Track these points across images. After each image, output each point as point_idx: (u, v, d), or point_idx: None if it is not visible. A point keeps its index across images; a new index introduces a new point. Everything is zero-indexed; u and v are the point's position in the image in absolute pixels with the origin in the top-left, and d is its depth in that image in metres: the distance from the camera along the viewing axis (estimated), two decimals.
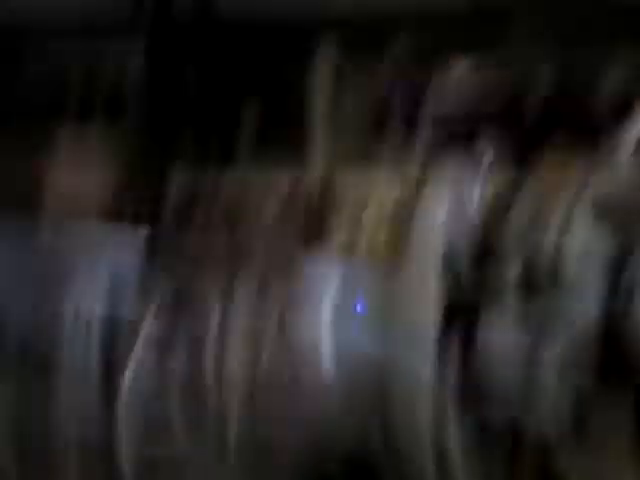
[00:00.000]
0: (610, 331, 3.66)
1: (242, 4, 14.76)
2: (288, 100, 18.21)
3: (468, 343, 4.06)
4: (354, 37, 14.42)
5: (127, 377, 4.67)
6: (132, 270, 5.83)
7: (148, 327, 4.62)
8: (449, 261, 4.03)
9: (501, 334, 3.97)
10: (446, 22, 13.85)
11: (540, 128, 4.30)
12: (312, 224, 13.94)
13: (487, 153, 4.30)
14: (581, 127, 4.07)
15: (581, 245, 3.74)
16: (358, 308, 7.36)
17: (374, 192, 14.06)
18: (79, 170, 18.09)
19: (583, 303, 3.81)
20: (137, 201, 16.06)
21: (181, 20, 15.64)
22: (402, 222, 10.76)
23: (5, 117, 19.07)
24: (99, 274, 4.30)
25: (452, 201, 4.02)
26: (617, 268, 3.81)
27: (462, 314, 4.09)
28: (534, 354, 3.91)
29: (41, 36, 17.22)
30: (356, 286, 7.98)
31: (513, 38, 12.69)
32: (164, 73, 15.80)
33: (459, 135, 4.31)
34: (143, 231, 13.42)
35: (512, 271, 3.90)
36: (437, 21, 13.92)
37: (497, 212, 4.38)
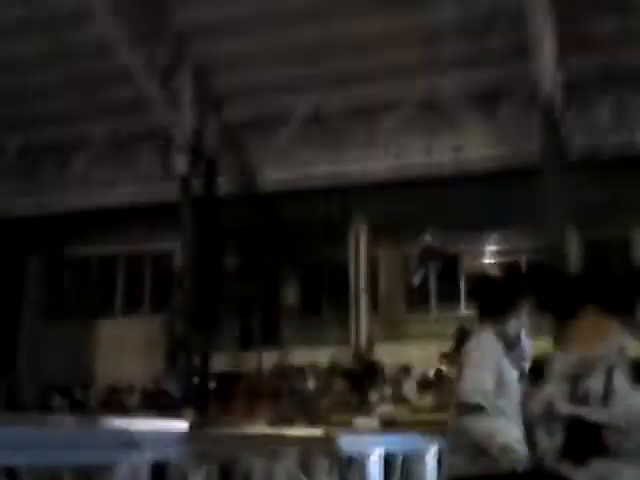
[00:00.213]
0: None
1: (284, 194, 15.51)
2: (327, 278, 18.54)
3: None
4: (384, 217, 14.91)
5: None
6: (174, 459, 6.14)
7: None
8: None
9: None
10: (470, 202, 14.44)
11: (574, 299, 4.71)
12: (354, 396, 14.02)
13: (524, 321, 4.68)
14: (611, 298, 4.53)
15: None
16: None
17: (413, 363, 14.15)
18: (124, 358, 18.29)
19: None
20: (182, 386, 16.14)
21: (226, 202, 16.25)
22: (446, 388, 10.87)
23: (57, 310, 19.53)
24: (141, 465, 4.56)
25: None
26: None
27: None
28: None
29: (90, 228, 17.77)
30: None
31: (545, 215, 13.21)
32: (209, 261, 16.40)
33: (495, 307, 4.72)
34: (186, 421, 13.55)
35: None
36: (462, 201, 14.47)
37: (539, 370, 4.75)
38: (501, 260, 16.52)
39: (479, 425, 4.25)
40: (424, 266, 4.84)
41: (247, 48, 15.08)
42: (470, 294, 5.11)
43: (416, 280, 4.82)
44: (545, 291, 4.79)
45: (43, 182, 18.07)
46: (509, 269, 14.81)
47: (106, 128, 17.17)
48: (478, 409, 4.22)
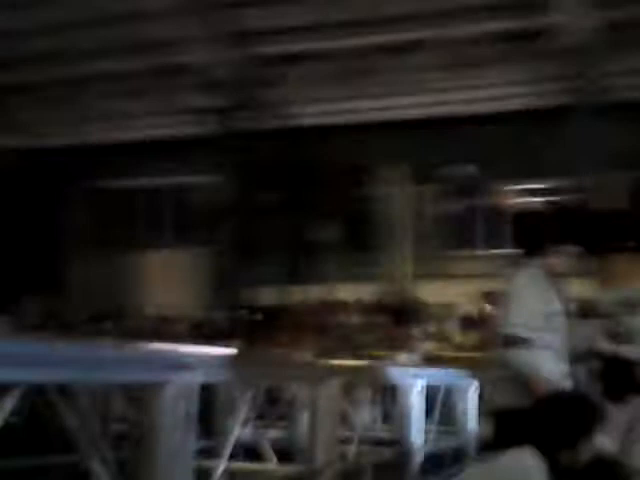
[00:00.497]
0: None
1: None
2: (367, 219, 18.54)
3: None
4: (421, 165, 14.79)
5: None
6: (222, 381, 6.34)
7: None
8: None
9: None
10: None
11: (611, 236, 4.73)
12: (397, 332, 14.21)
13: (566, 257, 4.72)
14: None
15: None
16: None
17: (456, 301, 14.24)
18: (173, 289, 18.61)
19: None
20: (227, 317, 16.46)
21: (265, 137, 16.25)
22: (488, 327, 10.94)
23: (106, 239, 19.76)
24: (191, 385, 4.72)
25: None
26: None
27: None
28: None
29: (134, 158, 17.87)
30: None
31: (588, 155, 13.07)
32: (249, 193, 16.45)
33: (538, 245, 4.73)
34: (233, 349, 13.85)
35: None
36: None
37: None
38: (543, 199, 16.46)
39: (525, 358, 4.30)
40: (467, 197, 4.81)
41: None
42: (513, 232, 5.11)
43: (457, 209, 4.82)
44: (582, 228, 4.81)
45: (88, 112, 18.05)
46: (550, 208, 14.72)
47: (146, 62, 16.94)
48: (525, 342, 4.26)
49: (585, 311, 5.13)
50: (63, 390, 4.71)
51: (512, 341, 4.30)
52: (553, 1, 13.44)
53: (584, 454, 3.63)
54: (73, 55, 17.12)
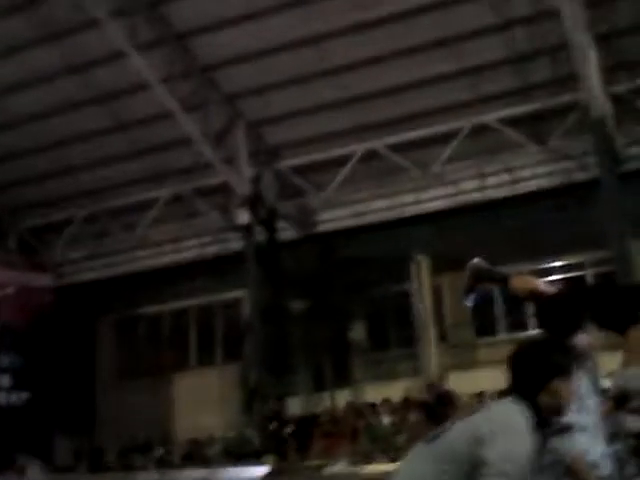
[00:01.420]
0: None
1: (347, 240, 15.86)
2: (392, 313, 18.52)
3: None
4: (444, 247, 15.00)
5: None
6: None
7: None
8: None
9: None
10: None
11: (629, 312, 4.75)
12: (430, 427, 13.92)
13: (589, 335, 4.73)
14: None
15: None
16: None
17: (486, 389, 13.99)
18: (201, 410, 18.47)
19: None
20: (259, 433, 16.23)
21: (288, 247, 16.65)
22: None
23: (132, 369, 19.90)
24: None
25: None
26: None
27: None
28: None
29: (159, 284, 18.32)
30: None
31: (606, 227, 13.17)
32: (276, 307, 16.66)
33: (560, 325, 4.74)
34: (266, 467, 13.56)
35: None
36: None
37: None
38: (563, 276, 16.50)
39: (565, 443, 4.16)
40: (475, 289, 4.87)
41: (296, 101, 15.56)
42: (537, 316, 5.12)
43: (468, 303, 4.86)
44: (599, 305, 4.83)
45: (111, 245, 18.69)
46: (567, 286, 14.74)
47: (168, 190, 17.71)
48: (568, 428, 4.15)
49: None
50: None
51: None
52: (564, 88, 13.96)
53: (562, 394, 3.71)
54: (97, 190, 18.09)
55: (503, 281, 5.08)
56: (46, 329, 17.78)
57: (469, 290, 5.13)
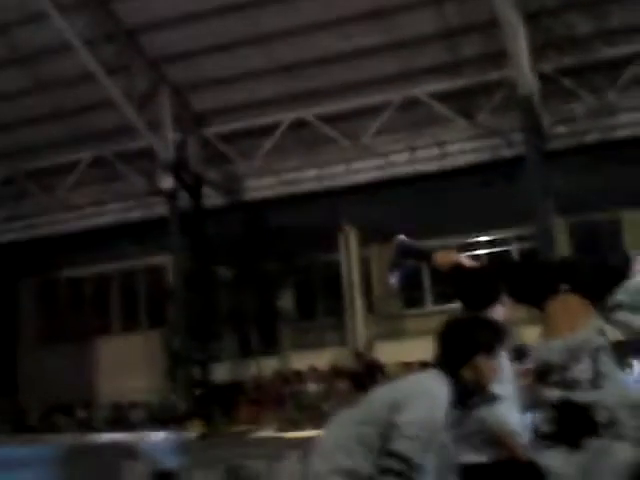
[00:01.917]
0: None
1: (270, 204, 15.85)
2: (321, 282, 18.67)
3: None
4: (373, 219, 15.08)
5: None
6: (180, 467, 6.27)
7: None
8: None
9: None
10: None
11: (544, 286, 4.87)
12: (357, 396, 14.14)
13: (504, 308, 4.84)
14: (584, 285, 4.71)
15: None
16: None
17: (412, 359, 14.24)
18: (125, 375, 18.40)
19: None
20: (184, 398, 16.29)
21: (214, 214, 16.60)
22: None
23: (55, 332, 19.62)
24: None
25: None
26: None
27: None
28: None
29: (81, 248, 17.98)
30: None
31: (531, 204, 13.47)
32: (201, 273, 16.57)
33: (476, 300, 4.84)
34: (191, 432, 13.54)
35: None
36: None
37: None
38: (488, 251, 16.89)
39: (490, 413, 4.28)
40: (400, 264, 4.91)
41: (225, 67, 15.26)
42: (455, 290, 5.22)
43: (393, 280, 4.90)
44: (517, 279, 4.91)
45: (32, 207, 18.12)
46: (487, 260, 15.11)
47: (91, 153, 17.24)
48: (494, 398, 4.19)
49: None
50: None
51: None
52: (494, 66, 14.05)
53: (484, 370, 3.87)
54: (17, 151, 17.50)
55: (427, 257, 5.20)
56: None
57: (394, 266, 5.23)
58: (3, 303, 19.04)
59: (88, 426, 16.82)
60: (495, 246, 17.01)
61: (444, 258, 5.07)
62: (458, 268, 4.93)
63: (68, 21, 14.14)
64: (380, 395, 3.86)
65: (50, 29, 14.29)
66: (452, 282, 5.03)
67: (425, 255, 5.22)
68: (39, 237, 18.17)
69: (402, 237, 5.18)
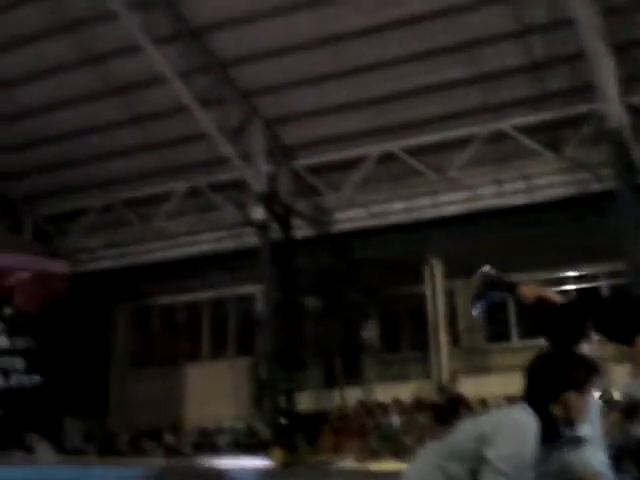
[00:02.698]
0: None
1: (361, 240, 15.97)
2: (405, 314, 18.62)
3: None
4: (459, 251, 15.05)
5: None
6: None
7: None
8: None
9: None
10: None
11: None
12: (439, 430, 14.08)
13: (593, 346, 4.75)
14: None
15: None
16: None
17: (495, 395, 14.10)
18: (212, 401, 18.62)
19: None
20: (269, 426, 16.40)
21: (303, 245, 16.82)
22: None
23: (145, 357, 20.13)
24: None
25: None
26: None
27: None
28: None
29: (175, 276, 18.42)
30: None
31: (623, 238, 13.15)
32: (289, 303, 16.77)
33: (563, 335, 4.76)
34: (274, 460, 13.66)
35: None
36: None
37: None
38: (577, 287, 16.55)
39: (578, 456, 4.16)
40: (484, 296, 4.84)
41: (315, 100, 15.60)
42: (537, 325, 5.13)
43: (476, 311, 4.84)
44: (606, 315, 4.82)
45: (127, 235, 18.80)
46: (575, 296, 14.76)
47: (185, 184, 17.78)
48: (579, 441, 4.12)
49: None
50: None
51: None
52: (582, 99, 13.92)
53: (574, 407, 3.79)
54: (113, 181, 18.24)
55: (512, 289, 5.12)
56: (61, 315, 17.92)
57: (477, 297, 5.18)
58: (98, 328, 19.57)
59: (175, 451, 17.10)
60: (584, 282, 16.73)
61: (530, 291, 5.00)
62: (544, 302, 4.86)
63: (162, 53, 14.56)
64: (467, 428, 3.82)
65: (145, 61, 14.76)
66: (538, 317, 4.97)
67: (510, 287, 5.13)
68: (135, 265, 18.86)
69: (487, 268, 5.14)
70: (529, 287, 5.04)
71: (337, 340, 17.27)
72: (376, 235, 16.01)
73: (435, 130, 15.30)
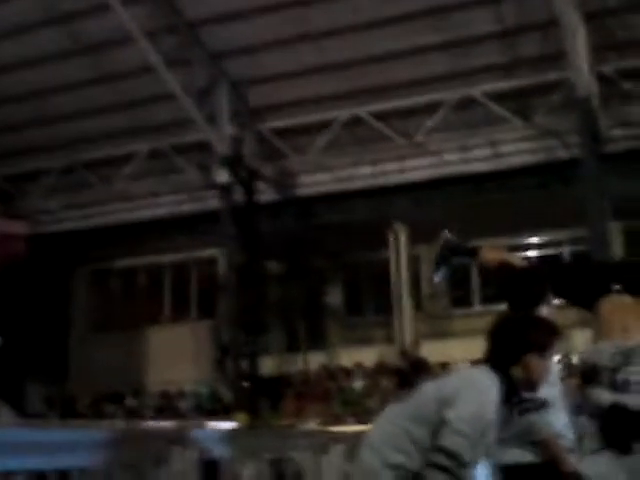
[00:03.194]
0: None
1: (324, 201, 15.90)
2: (369, 279, 18.71)
3: None
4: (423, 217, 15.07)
5: None
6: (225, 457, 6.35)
7: None
8: None
9: None
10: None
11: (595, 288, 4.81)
12: (402, 389, 14.17)
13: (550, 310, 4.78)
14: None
15: None
16: None
17: (458, 359, 14.23)
18: (174, 365, 18.56)
19: None
20: (231, 389, 16.37)
21: (266, 209, 16.72)
22: None
23: (106, 320, 19.95)
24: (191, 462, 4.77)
25: None
26: None
27: None
28: None
29: (135, 238, 18.24)
30: None
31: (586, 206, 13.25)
32: (251, 267, 16.69)
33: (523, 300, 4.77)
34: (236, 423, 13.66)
35: None
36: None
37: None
38: (540, 253, 16.74)
39: (541, 419, 4.25)
40: (445, 261, 4.84)
41: (282, 63, 15.43)
42: (497, 289, 5.17)
43: (437, 278, 4.86)
44: (566, 280, 4.87)
45: (88, 197, 18.44)
46: (537, 261, 14.94)
47: (148, 145, 17.52)
48: (543, 405, 4.21)
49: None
50: (65, 476, 4.71)
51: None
52: (552, 67, 13.96)
53: (535, 369, 3.87)
54: (76, 141, 17.86)
55: (473, 254, 5.15)
56: (20, 277, 17.63)
57: (439, 263, 5.18)
58: (57, 291, 19.29)
59: (137, 414, 17.04)
60: (547, 248, 16.86)
61: (492, 255, 5.01)
62: (506, 266, 4.87)
63: (130, 12, 14.31)
64: (429, 390, 3.84)
65: (113, 20, 14.46)
66: (499, 280, 4.98)
67: (472, 252, 5.14)
68: (95, 227, 18.52)
69: (448, 233, 5.13)
70: (491, 251, 5.06)
71: (300, 304, 17.27)
72: (341, 200, 15.98)
73: (404, 95, 15.24)
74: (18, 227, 18.41)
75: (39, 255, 17.93)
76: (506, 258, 4.95)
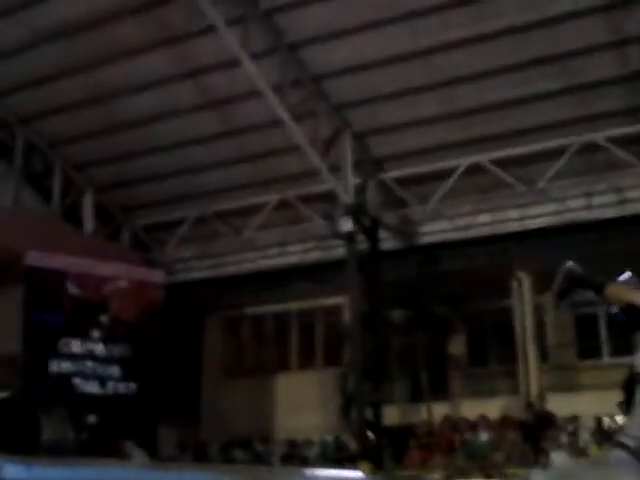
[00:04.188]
0: None
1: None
2: (492, 328, 18.39)
3: None
4: (547, 264, 14.78)
5: None
6: None
7: None
8: None
9: None
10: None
11: None
12: (528, 447, 13.79)
13: None
14: None
15: None
16: None
17: (586, 413, 13.76)
18: (300, 412, 18.76)
19: None
20: (356, 438, 16.40)
21: (390, 257, 16.63)
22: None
23: (236, 367, 20.17)
24: None
25: None
26: None
27: None
28: None
29: (264, 286, 18.56)
30: None
31: None
32: (376, 315, 16.73)
33: None
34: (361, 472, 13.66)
35: None
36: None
37: None
38: None
39: None
40: (568, 294, 4.56)
41: (403, 113, 15.58)
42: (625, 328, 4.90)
43: (562, 305, 4.61)
44: None
45: (220, 247, 19.10)
46: None
47: (276, 196, 17.99)
48: None
49: None
50: None
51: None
52: None
53: None
54: (207, 193, 18.60)
55: (599, 288, 4.79)
56: (156, 323, 18.26)
57: (562, 294, 4.90)
58: (190, 337, 19.95)
59: (264, 460, 17.23)
60: None
61: (618, 292, 4.76)
62: (634, 306, 4.64)
63: (258, 67, 14.72)
64: None
65: (241, 75, 14.96)
66: (627, 321, 4.74)
67: (597, 286, 4.79)
68: (226, 275, 19.20)
69: (571, 264, 4.89)
70: (618, 288, 4.77)
71: (423, 353, 17.14)
72: (463, 248, 15.88)
73: (525, 142, 15.11)
74: (156, 276, 19.18)
75: (173, 303, 18.61)
76: (635, 297, 4.68)
